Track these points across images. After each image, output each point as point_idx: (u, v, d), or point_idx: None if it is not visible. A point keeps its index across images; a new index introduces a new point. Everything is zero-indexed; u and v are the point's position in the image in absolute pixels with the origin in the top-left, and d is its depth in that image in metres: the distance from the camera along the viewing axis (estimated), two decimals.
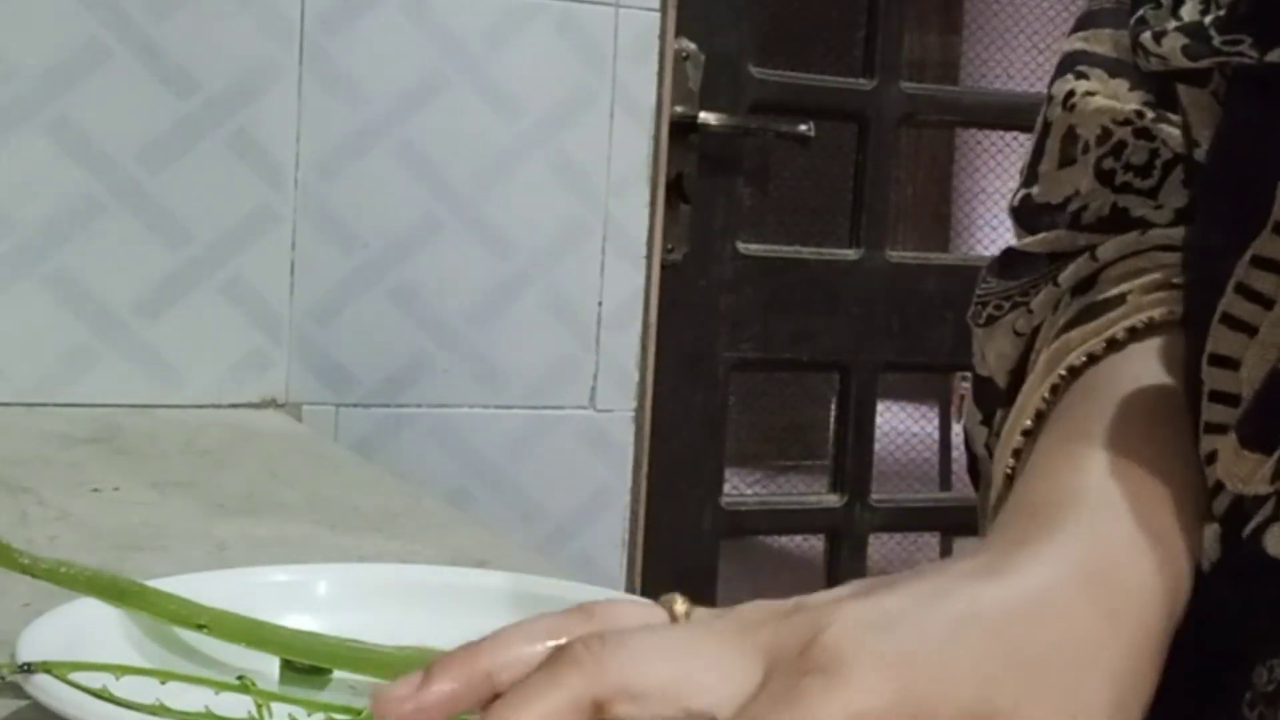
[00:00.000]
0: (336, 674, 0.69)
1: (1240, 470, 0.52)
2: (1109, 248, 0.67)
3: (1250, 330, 0.53)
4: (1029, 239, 0.70)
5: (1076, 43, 0.71)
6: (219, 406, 1.48)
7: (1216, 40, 0.57)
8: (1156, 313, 0.62)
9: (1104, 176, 0.67)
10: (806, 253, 2.01)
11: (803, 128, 1.90)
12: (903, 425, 4.42)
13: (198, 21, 1.45)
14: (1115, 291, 0.65)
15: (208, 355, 1.49)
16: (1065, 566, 0.49)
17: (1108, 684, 0.47)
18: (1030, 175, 0.71)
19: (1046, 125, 0.71)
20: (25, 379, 1.41)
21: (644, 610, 0.49)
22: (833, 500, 2.09)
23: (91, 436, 1.31)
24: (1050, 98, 0.71)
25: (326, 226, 1.52)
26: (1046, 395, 0.61)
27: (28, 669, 0.63)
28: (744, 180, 1.97)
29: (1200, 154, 0.64)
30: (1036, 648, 0.46)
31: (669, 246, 1.81)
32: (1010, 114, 2.19)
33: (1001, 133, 3.16)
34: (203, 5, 1.45)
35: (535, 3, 1.58)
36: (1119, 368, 0.60)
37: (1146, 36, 0.61)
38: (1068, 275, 0.67)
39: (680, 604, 0.49)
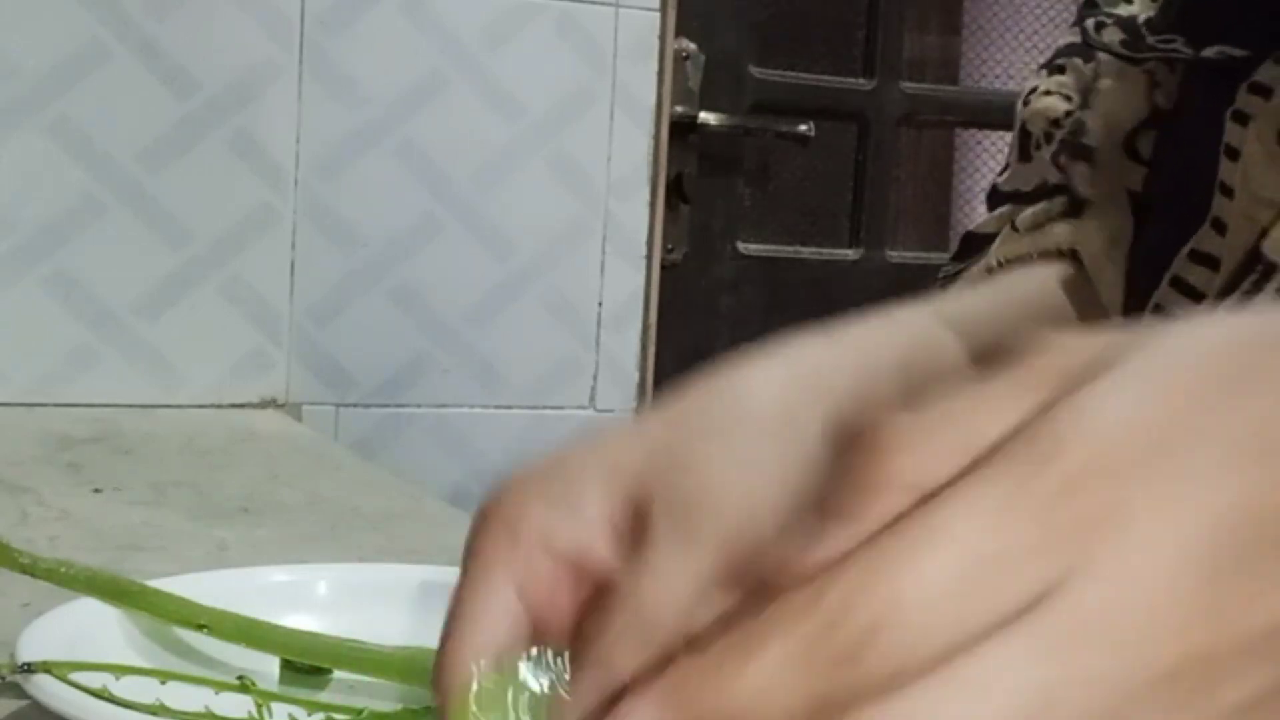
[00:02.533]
0: (336, 674, 0.69)
1: None
2: (1025, 217, 0.68)
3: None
4: (982, 220, 0.72)
5: (1070, 35, 0.72)
6: (219, 406, 1.48)
7: (1150, 39, 0.58)
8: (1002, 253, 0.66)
9: (1060, 171, 0.69)
10: (806, 253, 2.01)
11: (803, 128, 1.90)
12: None
13: (198, 21, 1.45)
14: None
15: (208, 355, 1.49)
16: None
17: None
18: (1004, 166, 0.74)
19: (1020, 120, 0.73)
20: (25, 379, 1.42)
21: None
22: None
23: (91, 436, 1.31)
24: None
25: (326, 226, 1.52)
26: None
27: (28, 669, 0.63)
28: (744, 180, 1.97)
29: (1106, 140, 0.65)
30: None
31: (669, 246, 1.81)
32: (1010, 114, 2.18)
33: (1001, 133, 3.16)
34: (203, 5, 1.45)
35: (535, 3, 1.58)
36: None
37: (1090, 23, 0.62)
38: (994, 247, 0.69)
39: None
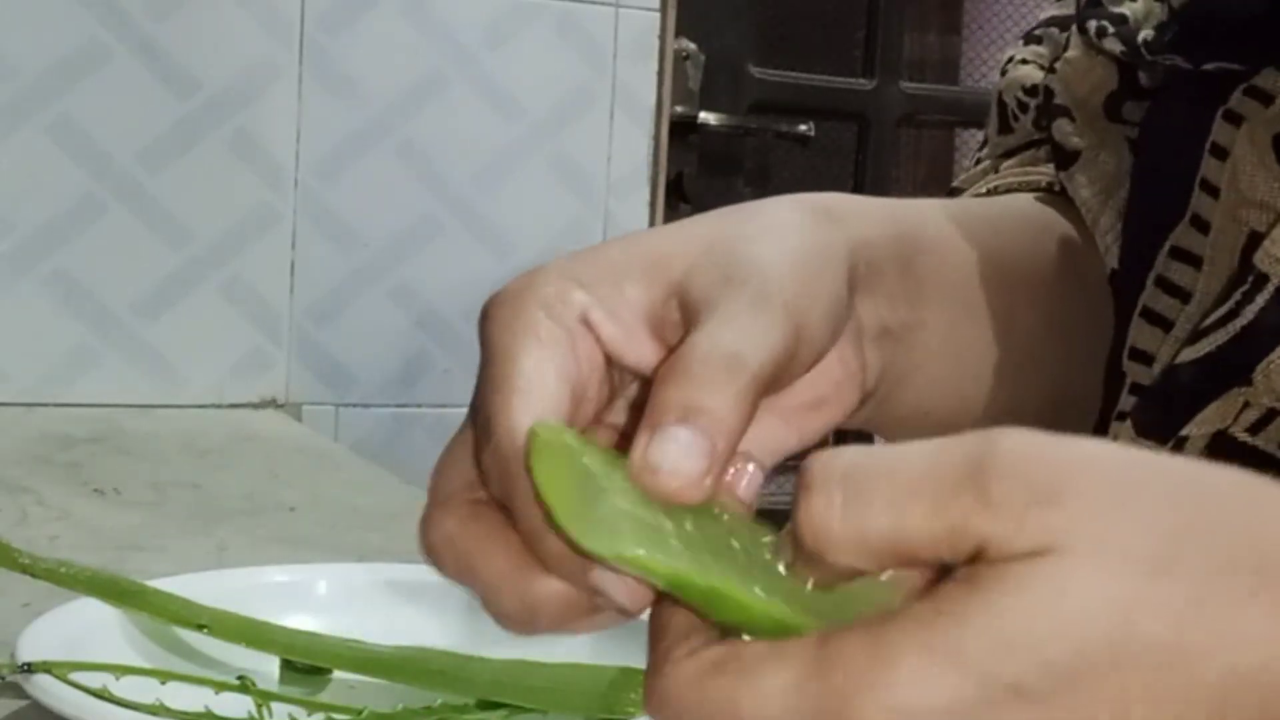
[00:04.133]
0: (336, 674, 0.69)
1: None
2: (1010, 162, 0.69)
3: (1166, 325, 0.55)
4: (966, 175, 0.72)
5: (1055, 7, 0.72)
6: (219, 406, 1.48)
7: (1149, 57, 0.58)
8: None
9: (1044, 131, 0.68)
10: None
11: (803, 128, 1.90)
12: None
13: (198, 21, 1.45)
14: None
15: (208, 355, 1.48)
16: None
17: None
18: (982, 143, 0.74)
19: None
20: (25, 379, 1.41)
21: None
22: None
23: (91, 436, 1.30)
24: None
25: (326, 226, 1.52)
26: None
27: (28, 669, 0.63)
28: (744, 180, 1.97)
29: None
30: None
31: None
32: None
33: None
34: (203, 5, 1.45)
35: (535, 3, 1.58)
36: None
37: (1093, 25, 0.61)
38: (979, 184, 0.69)
39: None
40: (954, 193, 0.71)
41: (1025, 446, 0.34)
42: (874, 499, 0.35)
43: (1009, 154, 0.71)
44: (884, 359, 0.52)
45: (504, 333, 0.42)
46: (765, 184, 2.00)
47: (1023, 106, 0.69)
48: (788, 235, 0.45)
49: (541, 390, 0.41)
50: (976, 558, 0.34)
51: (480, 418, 0.41)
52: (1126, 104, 0.62)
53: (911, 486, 0.34)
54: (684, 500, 0.38)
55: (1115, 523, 0.33)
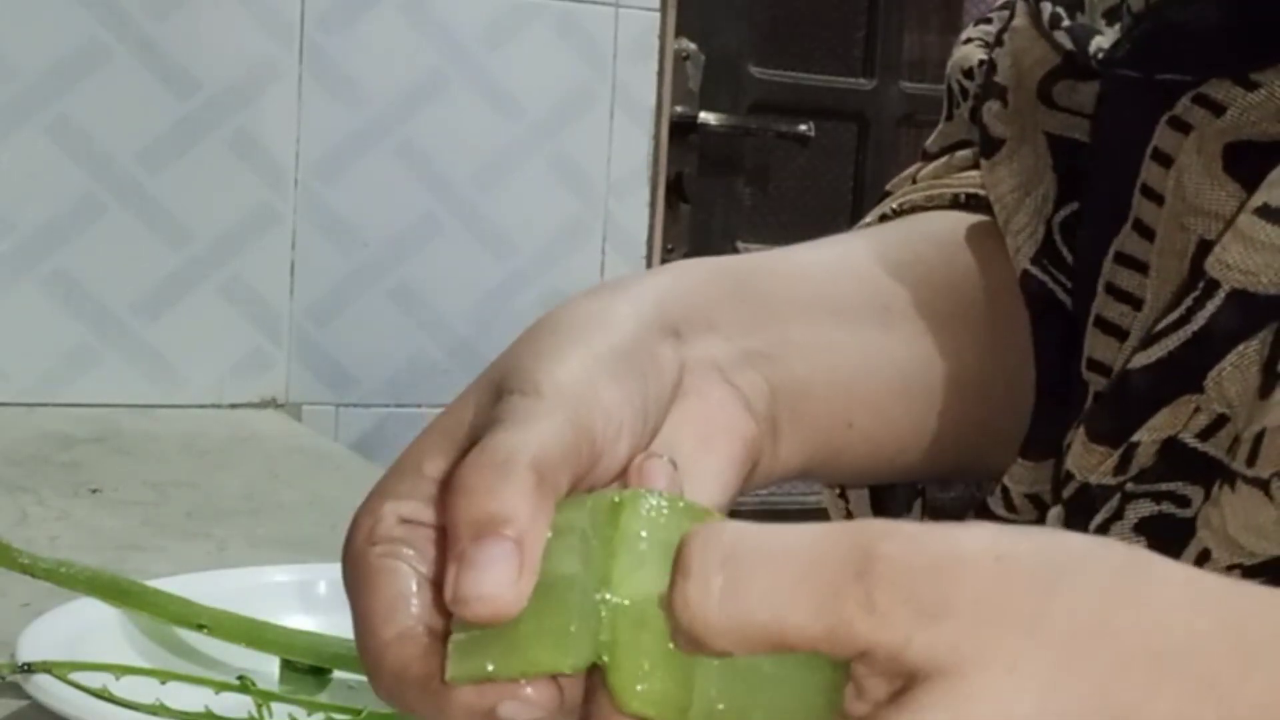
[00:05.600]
0: (336, 674, 0.69)
1: (1087, 462, 0.53)
2: (926, 171, 0.69)
3: (1120, 333, 0.55)
4: (896, 179, 0.71)
5: None
6: (219, 406, 1.48)
7: (1099, 70, 0.58)
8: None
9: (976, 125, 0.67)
10: None
11: (803, 128, 1.90)
12: None
13: (198, 21, 1.45)
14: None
15: (208, 355, 1.49)
16: None
17: None
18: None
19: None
20: (25, 379, 1.41)
21: None
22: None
23: (91, 436, 1.31)
24: None
25: (326, 226, 1.52)
26: None
27: (28, 669, 0.63)
28: (744, 180, 1.97)
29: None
30: None
31: (669, 246, 1.81)
32: None
33: None
34: (203, 5, 1.45)
35: (535, 3, 1.58)
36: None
37: (1047, 10, 0.61)
38: (890, 199, 0.69)
39: None
40: (884, 195, 0.71)
41: (907, 552, 0.34)
42: (753, 590, 0.34)
43: (933, 156, 0.70)
44: (766, 377, 0.52)
45: (351, 588, 0.44)
46: (765, 184, 2.00)
47: (964, 92, 0.68)
48: (560, 335, 0.46)
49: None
50: (862, 659, 0.34)
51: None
52: (1060, 84, 0.61)
53: (793, 580, 0.34)
54: (504, 613, 0.38)
55: (1000, 636, 0.33)
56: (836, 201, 2.04)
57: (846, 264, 0.59)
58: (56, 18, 1.40)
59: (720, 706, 0.36)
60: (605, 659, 0.36)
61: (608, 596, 0.37)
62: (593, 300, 0.48)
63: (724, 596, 0.35)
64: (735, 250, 1.93)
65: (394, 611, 0.41)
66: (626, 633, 0.37)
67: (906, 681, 0.34)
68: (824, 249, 0.60)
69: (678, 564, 0.35)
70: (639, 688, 0.36)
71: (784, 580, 0.34)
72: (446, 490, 0.41)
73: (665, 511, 0.39)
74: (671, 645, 0.36)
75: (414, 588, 0.41)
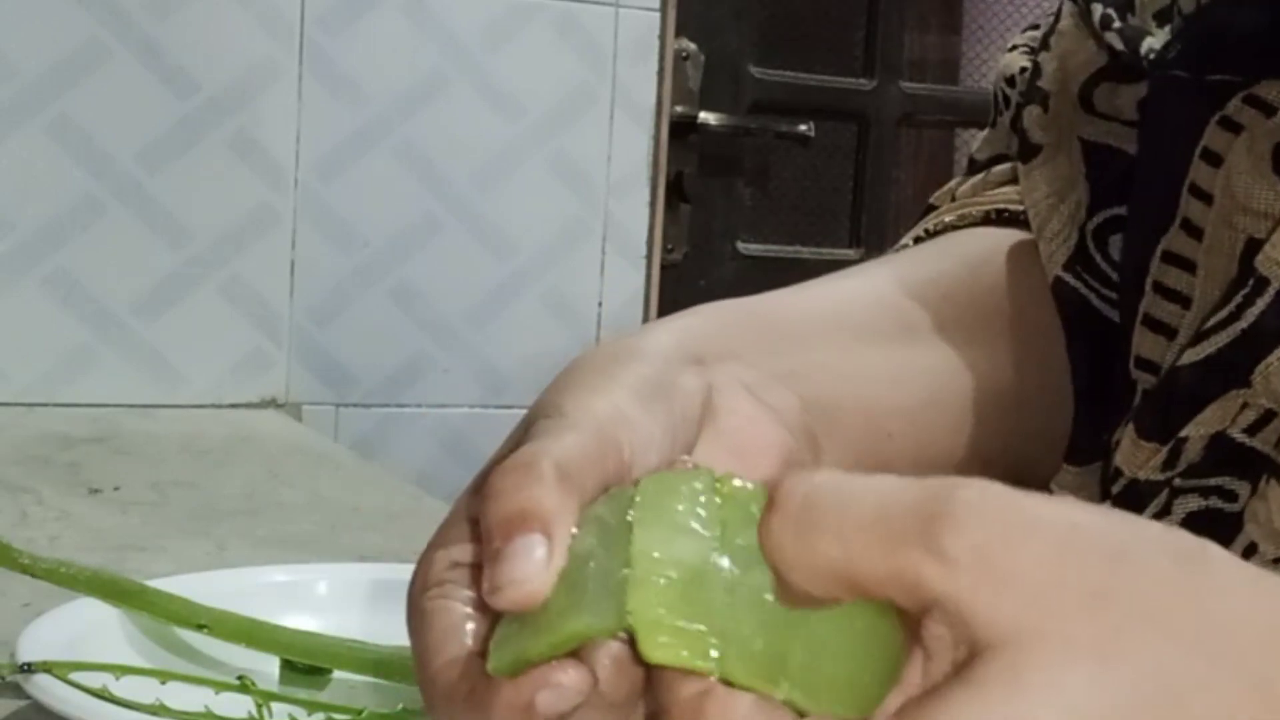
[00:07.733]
0: (336, 674, 0.69)
1: (1136, 458, 0.54)
2: (965, 188, 0.68)
3: (1169, 331, 0.55)
4: (941, 191, 0.72)
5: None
6: (219, 406, 1.48)
7: (1151, 71, 0.58)
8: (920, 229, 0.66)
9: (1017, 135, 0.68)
10: (806, 253, 2.01)
11: (803, 128, 1.90)
12: None
13: (198, 21, 1.45)
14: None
15: (208, 355, 1.49)
16: None
17: None
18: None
19: None
20: (25, 379, 1.41)
21: None
22: None
23: (91, 436, 1.31)
24: None
25: (326, 226, 1.52)
26: None
27: (28, 669, 0.63)
28: (744, 180, 1.97)
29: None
30: None
31: (669, 246, 1.81)
32: None
33: None
34: (203, 5, 1.45)
35: (535, 3, 1.58)
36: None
37: (1098, 11, 0.61)
38: (929, 218, 0.69)
39: None
40: (929, 209, 0.71)
41: (982, 502, 0.34)
42: (825, 528, 0.35)
43: (980, 164, 0.70)
44: (796, 394, 0.52)
45: (410, 633, 0.45)
46: (765, 184, 2.00)
47: (1006, 100, 0.69)
48: (585, 372, 0.47)
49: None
50: (930, 615, 0.34)
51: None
52: (1102, 87, 0.61)
53: (867, 520, 0.35)
54: (534, 595, 0.40)
55: (1060, 608, 0.34)
56: (836, 201, 2.04)
57: (867, 290, 0.59)
58: (56, 18, 1.40)
59: (758, 646, 0.36)
60: (630, 619, 0.37)
61: (627, 562, 0.38)
62: (616, 343, 0.49)
63: (798, 531, 0.35)
64: (735, 250, 1.93)
65: (444, 643, 0.43)
66: (641, 585, 0.37)
67: (971, 650, 0.34)
68: (845, 279, 0.61)
69: (768, 499, 0.36)
70: (661, 639, 0.37)
71: (859, 520, 0.35)
72: (480, 501, 0.42)
73: (688, 482, 0.40)
74: (689, 592, 0.37)
75: (463, 621, 0.43)
